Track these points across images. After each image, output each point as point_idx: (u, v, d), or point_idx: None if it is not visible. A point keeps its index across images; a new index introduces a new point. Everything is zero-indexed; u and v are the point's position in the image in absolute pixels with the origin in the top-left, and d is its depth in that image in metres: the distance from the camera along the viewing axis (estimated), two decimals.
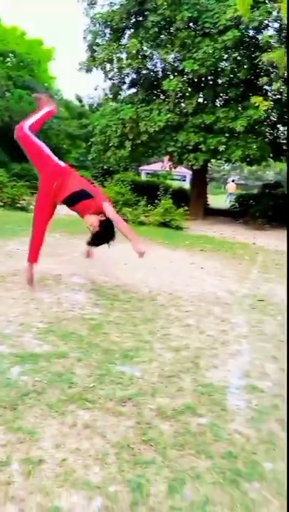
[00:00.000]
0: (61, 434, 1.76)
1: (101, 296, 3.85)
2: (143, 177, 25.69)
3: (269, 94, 12.39)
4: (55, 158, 3.85)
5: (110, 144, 12.36)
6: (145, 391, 2.19)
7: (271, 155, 13.23)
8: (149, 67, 13.38)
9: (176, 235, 9.21)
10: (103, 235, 3.65)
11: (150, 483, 1.53)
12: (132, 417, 1.94)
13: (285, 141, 13.01)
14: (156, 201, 10.67)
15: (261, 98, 9.53)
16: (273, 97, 12.40)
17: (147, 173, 28.62)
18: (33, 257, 3.85)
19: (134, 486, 1.51)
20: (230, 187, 23.07)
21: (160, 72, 13.32)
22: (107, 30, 13.00)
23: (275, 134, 13.56)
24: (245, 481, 1.60)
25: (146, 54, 12.67)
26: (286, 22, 9.60)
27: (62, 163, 3.87)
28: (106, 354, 2.60)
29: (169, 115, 11.12)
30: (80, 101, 23.81)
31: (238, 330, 3.35)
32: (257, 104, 9.49)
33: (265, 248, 8.35)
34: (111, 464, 1.61)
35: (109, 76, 13.50)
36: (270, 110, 11.52)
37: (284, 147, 13.51)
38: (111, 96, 14.12)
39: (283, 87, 10.14)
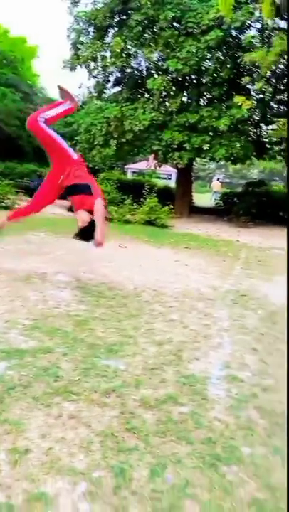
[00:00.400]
0: (47, 424, 1.81)
1: (86, 293, 3.90)
2: (129, 176, 25.74)
3: (252, 93, 12.59)
4: (70, 150, 3.90)
5: (95, 143, 12.37)
6: (129, 383, 2.26)
7: (254, 154, 13.41)
8: (133, 65, 13.44)
9: (161, 233, 9.30)
10: (89, 231, 3.71)
11: (133, 469, 1.60)
12: (116, 408, 2.00)
13: (267, 140, 13.22)
14: (141, 200, 10.74)
15: (244, 97, 9.68)
16: (256, 96, 12.60)
17: (133, 172, 28.66)
18: (13, 216, 4.00)
19: (117, 471, 1.57)
20: (215, 185, 23.28)
21: (144, 71, 13.39)
22: (91, 29, 13.00)
23: (259, 133, 13.78)
24: (224, 465, 1.68)
25: (131, 53, 12.72)
26: (267, 22, 9.78)
27: (75, 155, 3.92)
28: (91, 349, 2.65)
29: (153, 114, 11.20)
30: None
31: (220, 324, 3.44)
32: (240, 104, 9.64)
33: (248, 245, 8.50)
34: (95, 451, 1.67)
35: (94, 74, 13.52)
36: (253, 109, 11.70)
37: (267, 146, 13.72)
38: (95, 94, 14.12)
39: (265, 87, 10.30)
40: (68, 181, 3.81)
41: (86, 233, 3.77)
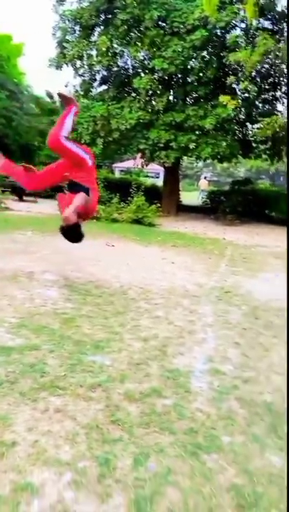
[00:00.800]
0: (33, 418, 1.86)
1: (73, 291, 3.94)
2: (117, 174, 25.72)
3: (238, 92, 12.72)
4: (87, 158, 3.99)
5: (82, 141, 12.34)
6: (114, 378, 2.32)
7: (241, 152, 13.56)
8: (119, 64, 13.46)
9: (148, 231, 9.36)
10: (69, 233, 3.77)
11: (117, 458, 1.66)
12: (101, 401, 2.06)
13: (253, 139, 13.37)
14: (129, 198, 10.78)
15: (229, 97, 9.79)
16: (242, 95, 12.74)
17: (121, 171, 28.65)
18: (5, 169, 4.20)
19: (101, 461, 1.63)
20: (203, 184, 23.42)
21: (131, 70, 13.41)
22: (77, 27, 12.97)
23: (244, 132, 13.94)
24: (205, 453, 1.75)
25: (117, 51, 12.73)
26: (251, 23, 9.90)
27: (90, 162, 4.02)
28: (77, 345, 2.70)
29: (140, 113, 11.24)
30: (51, 97, 23.52)
31: (205, 320, 3.52)
32: (225, 103, 9.74)
33: (234, 243, 8.63)
34: (80, 442, 1.73)
35: (80, 73, 13.50)
36: (238, 108, 11.84)
37: (253, 145, 13.89)
38: (82, 93, 14.10)
39: (250, 86, 10.43)
40: (72, 176, 3.91)
41: (66, 233, 3.82)
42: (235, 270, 5.76)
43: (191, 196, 22.39)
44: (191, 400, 2.17)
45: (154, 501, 1.46)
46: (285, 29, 12.67)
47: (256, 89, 11.00)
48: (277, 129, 10.02)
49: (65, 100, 4.18)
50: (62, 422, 1.86)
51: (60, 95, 4.33)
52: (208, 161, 21.37)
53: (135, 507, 1.42)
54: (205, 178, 25.66)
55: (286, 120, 12.11)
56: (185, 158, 14.36)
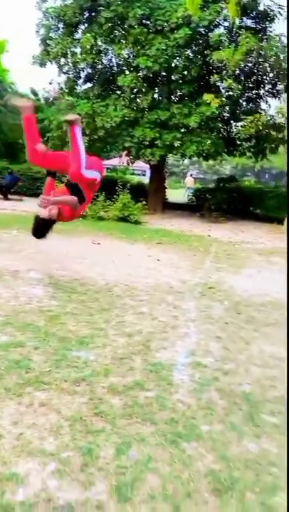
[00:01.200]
0: (18, 412, 1.91)
1: (58, 289, 3.98)
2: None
3: (222, 91, 12.83)
4: (98, 178, 4.10)
5: (67, 140, 12.30)
6: (98, 372, 2.37)
7: (225, 150, 13.68)
8: (104, 62, 13.43)
9: (134, 229, 9.41)
10: (40, 224, 3.82)
11: (100, 448, 1.72)
12: (86, 395, 2.12)
13: (237, 137, 13.50)
14: (115, 196, 10.80)
15: (213, 95, 9.88)
16: (226, 94, 12.85)
17: (107, 168, 28.56)
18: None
19: (85, 451, 1.69)
20: (189, 181, 23.54)
21: (115, 68, 13.41)
22: (60, 25, 12.90)
23: (229, 130, 14.06)
24: (184, 441, 1.83)
25: (101, 49, 12.71)
26: (234, 22, 10.00)
27: (99, 179, 4.12)
28: (62, 342, 2.75)
29: (125, 111, 11.26)
30: (36, 94, 23.33)
31: (188, 315, 3.60)
32: (209, 102, 9.83)
33: (219, 240, 8.74)
34: (64, 434, 1.79)
35: (64, 70, 13.43)
36: (222, 107, 11.95)
37: (237, 142, 14.03)
38: (66, 90, 14.04)
39: (234, 85, 10.54)
40: (76, 176, 3.95)
41: (41, 225, 3.82)
42: (219, 267, 5.86)
43: (177, 194, 22.46)
44: (172, 392, 2.24)
45: (134, 487, 1.52)
46: (268, 28, 12.87)
47: (240, 87, 11.11)
48: (260, 127, 10.15)
49: (68, 123, 4.18)
50: (46, 415, 1.91)
51: (66, 121, 4.38)
52: (194, 159, 21.50)
53: (116, 493, 1.49)
54: (191, 175, 25.79)
55: (269, 118, 12.32)
56: (171, 155, 14.43)
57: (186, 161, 42.41)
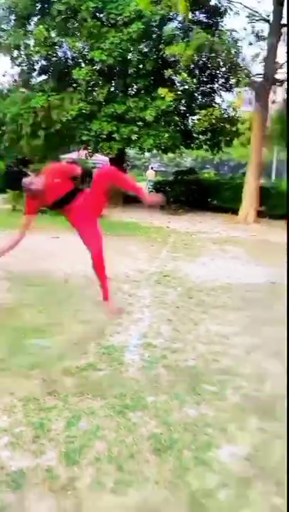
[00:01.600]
0: None
1: (15, 282, 4.03)
2: None
3: (178, 85, 13.06)
4: None
5: (23, 133, 12.12)
6: (53, 357, 2.50)
7: (183, 143, 13.95)
8: (59, 54, 13.28)
9: None
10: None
11: (51, 422, 1.86)
12: (39, 377, 2.23)
13: (193, 130, 13.81)
14: None
15: (167, 89, 10.07)
16: (182, 88, 13.10)
17: (68, 162, 28.20)
18: None
19: (37, 425, 1.82)
20: (150, 174, 23.71)
21: (70, 61, 13.29)
22: (12, 17, 12.60)
23: (186, 124, 14.34)
24: (131, 412, 1.99)
25: (55, 41, 12.55)
26: (187, 16, 10.21)
27: None
28: (18, 331, 2.84)
29: (81, 104, 11.24)
30: None
31: (143, 301, 3.78)
32: (163, 96, 10.01)
33: (177, 231, 9.00)
34: (17, 412, 1.90)
35: (18, 62, 13.16)
36: (179, 100, 12.18)
37: (194, 135, 14.34)
38: (21, 83, 13.76)
39: (188, 79, 10.77)
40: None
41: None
42: (176, 256, 6.09)
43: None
44: (123, 371, 2.40)
45: (82, 452, 1.67)
46: (219, 23, 13.20)
47: (195, 81, 11.37)
48: (214, 121, 10.47)
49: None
50: (1, 398, 2.02)
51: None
52: (155, 152, 21.74)
53: (65, 458, 1.63)
54: (152, 168, 25.99)
55: (223, 112, 12.71)
56: (130, 149, 14.53)
57: (148, 154, 42.65)
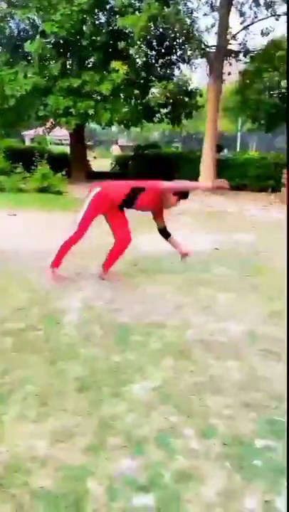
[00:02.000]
0: None
1: None
2: (27, 143, 24.68)
3: (136, 58, 12.88)
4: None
5: None
6: None
7: (145, 117, 13.86)
8: (11, 26, 12.80)
9: (54, 199, 9.54)
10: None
11: None
12: None
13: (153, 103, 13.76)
14: (33, 167, 10.71)
15: (120, 62, 10.00)
16: (139, 60, 12.93)
17: (31, 139, 27.46)
18: None
19: None
20: (115, 149, 23.49)
21: (23, 33, 12.85)
22: None
23: (146, 97, 14.24)
24: (62, 361, 2.26)
25: (5, 13, 12.07)
26: None
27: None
28: None
29: (34, 78, 11.00)
30: None
31: (90, 271, 4.02)
32: (117, 69, 9.96)
33: None
34: None
35: None
36: (136, 73, 12.05)
37: (155, 109, 14.29)
38: None
39: (140, 51, 10.69)
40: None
41: None
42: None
43: (106, 163, 22.47)
44: (60, 329, 2.66)
45: (11, 394, 1.93)
46: None
47: (149, 53, 11.29)
48: (168, 94, 10.53)
49: None
50: None
51: None
52: (122, 127, 21.50)
53: None
54: (116, 143, 25.73)
55: (181, 84, 12.71)
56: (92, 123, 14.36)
57: (115, 129, 41.99)
